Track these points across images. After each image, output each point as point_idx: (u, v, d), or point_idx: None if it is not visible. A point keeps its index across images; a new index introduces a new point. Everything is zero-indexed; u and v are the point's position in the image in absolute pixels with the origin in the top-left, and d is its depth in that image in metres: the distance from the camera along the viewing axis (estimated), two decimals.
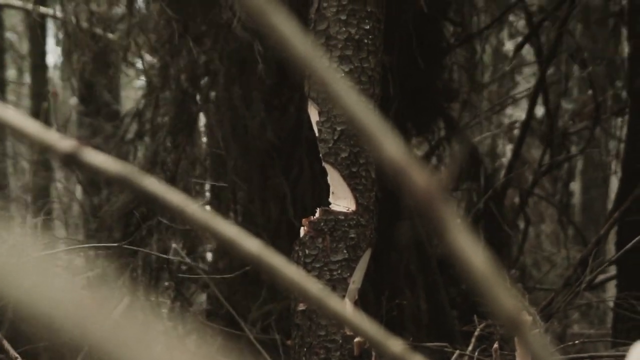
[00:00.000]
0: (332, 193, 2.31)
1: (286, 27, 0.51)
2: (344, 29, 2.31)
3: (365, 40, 2.33)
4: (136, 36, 4.16)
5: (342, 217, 2.28)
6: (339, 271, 2.26)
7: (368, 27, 2.33)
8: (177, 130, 3.77)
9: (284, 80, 3.59)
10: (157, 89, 3.87)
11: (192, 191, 3.81)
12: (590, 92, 4.62)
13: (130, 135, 4.06)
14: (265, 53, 3.34)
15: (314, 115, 2.33)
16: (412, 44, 3.55)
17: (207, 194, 3.93)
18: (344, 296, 2.23)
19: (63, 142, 0.55)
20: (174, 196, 0.55)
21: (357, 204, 2.29)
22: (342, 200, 2.30)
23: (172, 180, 3.66)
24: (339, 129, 2.28)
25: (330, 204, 2.31)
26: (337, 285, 2.26)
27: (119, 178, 0.55)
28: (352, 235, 2.28)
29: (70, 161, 0.55)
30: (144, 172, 0.57)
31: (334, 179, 2.30)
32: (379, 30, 2.37)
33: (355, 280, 2.25)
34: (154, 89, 3.91)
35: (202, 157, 3.82)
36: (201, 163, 3.81)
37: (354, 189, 2.29)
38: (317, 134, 2.32)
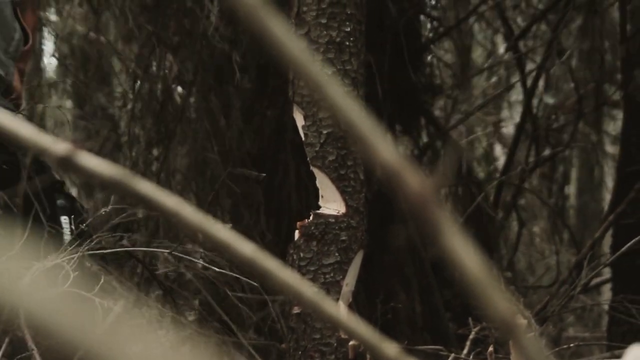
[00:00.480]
0: (321, 197, 2.31)
1: (278, 29, 0.51)
2: (324, 32, 2.32)
3: (347, 43, 2.33)
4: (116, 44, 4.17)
5: (333, 220, 2.28)
6: (332, 274, 2.26)
7: (349, 29, 2.33)
8: (155, 142, 3.77)
9: (264, 87, 3.59)
10: (131, 100, 3.87)
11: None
12: (576, 86, 4.63)
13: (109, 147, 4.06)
14: (242, 61, 3.34)
15: (299, 119, 2.33)
16: (391, 42, 3.56)
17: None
18: (337, 299, 2.23)
19: (57, 145, 0.55)
20: (168, 199, 0.55)
21: (347, 206, 2.29)
22: (331, 204, 2.30)
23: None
24: (325, 132, 2.28)
25: (319, 207, 2.31)
26: (330, 288, 2.26)
27: (113, 181, 0.55)
28: (343, 238, 2.28)
29: (65, 164, 0.55)
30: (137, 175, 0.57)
31: (323, 183, 2.30)
32: (360, 32, 2.38)
33: (349, 283, 2.26)
34: (128, 100, 3.91)
35: (182, 167, 3.81)
36: (182, 174, 3.81)
37: (343, 192, 2.29)
38: (303, 138, 2.32)
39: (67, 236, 2.58)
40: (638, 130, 3.88)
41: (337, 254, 2.27)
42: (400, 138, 4.29)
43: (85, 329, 0.44)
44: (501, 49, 5.62)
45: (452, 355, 2.57)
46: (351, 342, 2.18)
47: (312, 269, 2.26)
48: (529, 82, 4.57)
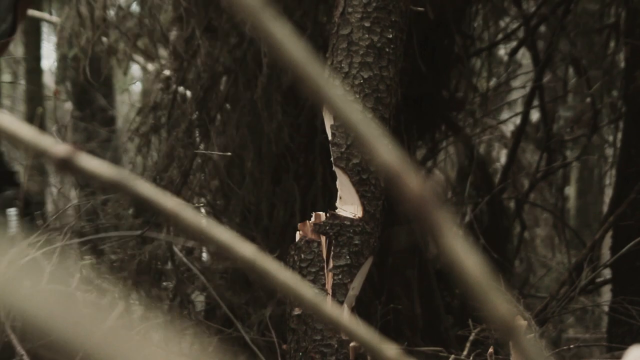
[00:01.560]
0: (340, 198, 2.31)
1: (279, 31, 0.51)
2: (366, 35, 2.32)
3: (387, 49, 2.33)
4: (133, 38, 4.17)
5: (348, 223, 2.27)
6: (340, 276, 2.26)
7: (391, 36, 2.33)
8: (195, 127, 3.77)
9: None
10: (175, 85, 3.88)
11: (205, 188, 3.81)
12: (588, 99, 4.63)
13: (145, 128, 4.04)
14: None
15: (328, 118, 2.33)
16: (423, 53, 3.56)
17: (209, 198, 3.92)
18: (342, 301, 2.23)
19: (57, 147, 0.55)
20: (168, 201, 0.55)
21: (364, 211, 2.29)
22: (349, 206, 2.29)
23: (185, 175, 3.66)
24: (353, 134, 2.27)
25: (336, 208, 2.31)
26: (337, 290, 2.26)
27: (113, 183, 0.55)
28: (356, 242, 2.28)
29: (65, 166, 0.55)
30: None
31: (343, 184, 2.30)
32: (400, 40, 2.38)
33: (355, 287, 2.25)
34: (171, 84, 3.92)
35: (215, 157, 3.80)
36: (214, 163, 3.81)
37: (362, 196, 2.29)
38: (330, 138, 2.32)
39: (13, 228, 2.59)
40: (638, 132, 3.88)
41: (348, 257, 2.27)
42: (417, 142, 4.31)
43: (86, 327, 0.44)
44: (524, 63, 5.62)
45: (452, 356, 2.57)
46: (352, 344, 2.18)
47: (313, 270, 2.26)
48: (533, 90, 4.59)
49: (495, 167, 5.52)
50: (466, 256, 0.54)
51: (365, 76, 2.31)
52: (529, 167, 5.25)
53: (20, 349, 1.87)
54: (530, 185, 4.70)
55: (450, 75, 4.22)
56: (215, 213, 3.80)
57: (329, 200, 3.23)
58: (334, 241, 2.27)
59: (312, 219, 2.30)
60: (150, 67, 5.53)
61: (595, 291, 4.68)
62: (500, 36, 4.76)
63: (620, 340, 3.51)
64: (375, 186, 2.30)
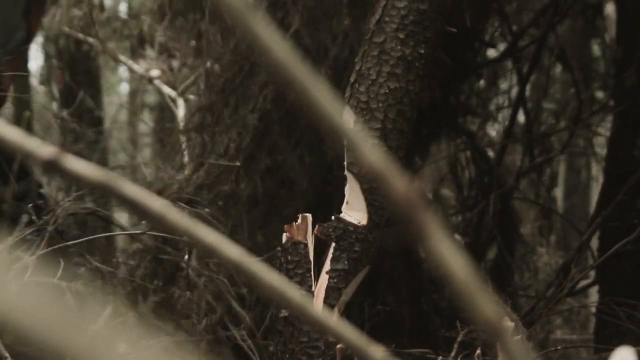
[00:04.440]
0: (347, 202, 2.30)
1: (264, 32, 0.51)
2: (399, 47, 2.31)
3: (417, 64, 2.32)
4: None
5: (352, 229, 2.27)
6: (335, 280, 2.25)
7: (423, 51, 2.32)
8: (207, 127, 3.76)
9: (339, 79, 3.58)
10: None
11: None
12: (572, 90, 4.65)
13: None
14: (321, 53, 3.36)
15: (348, 122, 2.32)
16: (440, 61, 3.57)
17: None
18: (334, 305, 2.23)
19: (43, 149, 0.55)
20: (154, 202, 0.55)
21: (370, 219, 2.28)
22: (355, 212, 2.29)
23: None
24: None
25: (340, 212, 2.30)
26: (331, 293, 2.25)
27: (99, 184, 0.55)
28: (357, 249, 2.27)
29: (51, 168, 0.55)
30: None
31: (353, 190, 2.29)
32: (431, 57, 2.37)
33: (347, 293, 2.25)
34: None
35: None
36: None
37: (369, 204, 2.28)
38: (345, 142, 2.31)
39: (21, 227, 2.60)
40: (626, 133, 3.89)
41: (346, 262, 2.26)
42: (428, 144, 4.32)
43: (73, 332, 0.44)
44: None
45: (440, 358, 2.57)
46: (339, 345, 2.18)
47: (300, 272, 2.26)
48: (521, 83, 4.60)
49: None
50: (453, 257, 0.54)
51: (392, 87, 2.30)
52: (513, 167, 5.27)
53: (4, 351, 1.86)
54: (516, 179, 4.70)
55: (462, 85, 4.24)
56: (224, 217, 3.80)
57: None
58: (334, 245, 2.26)
59: (299, 221, 2.29)
60: (138, 67, 5.52)
61: (583, 292, 4.70)
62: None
63: (608, 341, 3.52)
64: (383, 196, 2.29)
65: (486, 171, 4.42)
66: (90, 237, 3.20)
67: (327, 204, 3.54)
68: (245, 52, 3.63)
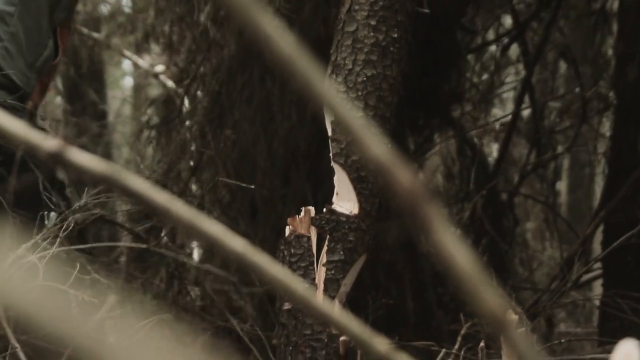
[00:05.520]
0: (337, 194, 2.31)
1: (268, 25, 0.51)
2: (372, 33, 2.31)
3: (391, 48, 2.32)
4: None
5: (344, 219, 2.27)
6: (333, 271, 2.26)
7: (396, 35, 2.33)
8: (208, 120, 3.76)
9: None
10: (190, 80, 3.89)
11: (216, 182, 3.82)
12: (577, 89, 4.64)
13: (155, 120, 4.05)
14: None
15: (328, 114, 2.33)
16: (425, 49, 3.56)
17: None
18: (333, 297, 2.23)
19: (48, 142, 0.55)
20: (158, 195, 0.55)
21: (361, 208, 2.28)
22: (345, 203, 2.29)
23: (195, 169, 3.68)
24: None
25: (332, 204, 2.31)
26: (329, 285, 2.26)
27: (103, 177, 0.55)
28: (351, 239, 2.27)
29: (55, 161, 0.55)
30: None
31: (341, 180, 2.29)
32: (405, 40, 2.38)
33: (347, 284, 2.25)
34: (183, 79, 3.92)
35: (227, 151, 3.80)
36: (227, 155, 3.80)
37: (359, 193, 2.28)
38: (329, 133, 2.31)
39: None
40: (629, 128, 3.89)
41: (342, 253, 2.27)
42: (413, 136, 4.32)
43: (75, 323, 0.44)
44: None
45: (444, 350, 2.58)
46: (342, 338, 2.18)
47: (303, 265, 2.26)
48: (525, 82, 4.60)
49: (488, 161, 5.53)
50: (457, 250, 0.54)
51: (369, 74, 2.31)
52: (519, 162, 5.27)
53: (14, 341, 1.87)
54: (521, 177, 4.71)
55: (449, 71, 4.23)
56: (223, 210, 3.81)
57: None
58: (328, 236, 2.27)
59: (302, 214, 2.30)
60: (143, 61, 5.52)
61: (587, 286, 4.69)
62: (491, 32, 4.77)
63: (612, 334, 3.52)
64: (373, 184, 2.30)
65: (482, 164, 4.43)
66: (113, 244, 3.23)
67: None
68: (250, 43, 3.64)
